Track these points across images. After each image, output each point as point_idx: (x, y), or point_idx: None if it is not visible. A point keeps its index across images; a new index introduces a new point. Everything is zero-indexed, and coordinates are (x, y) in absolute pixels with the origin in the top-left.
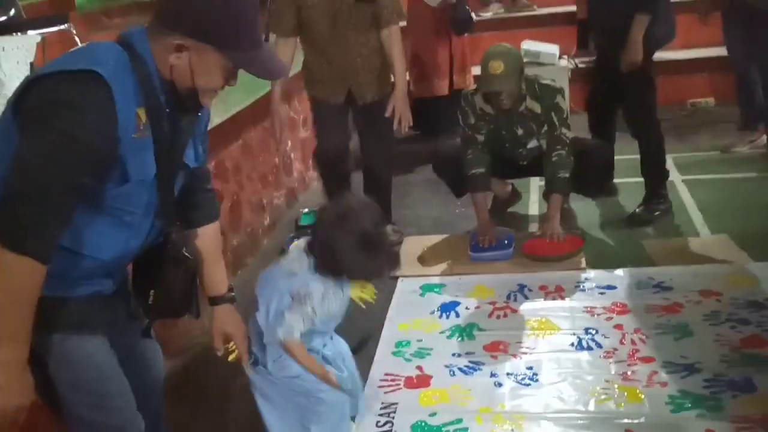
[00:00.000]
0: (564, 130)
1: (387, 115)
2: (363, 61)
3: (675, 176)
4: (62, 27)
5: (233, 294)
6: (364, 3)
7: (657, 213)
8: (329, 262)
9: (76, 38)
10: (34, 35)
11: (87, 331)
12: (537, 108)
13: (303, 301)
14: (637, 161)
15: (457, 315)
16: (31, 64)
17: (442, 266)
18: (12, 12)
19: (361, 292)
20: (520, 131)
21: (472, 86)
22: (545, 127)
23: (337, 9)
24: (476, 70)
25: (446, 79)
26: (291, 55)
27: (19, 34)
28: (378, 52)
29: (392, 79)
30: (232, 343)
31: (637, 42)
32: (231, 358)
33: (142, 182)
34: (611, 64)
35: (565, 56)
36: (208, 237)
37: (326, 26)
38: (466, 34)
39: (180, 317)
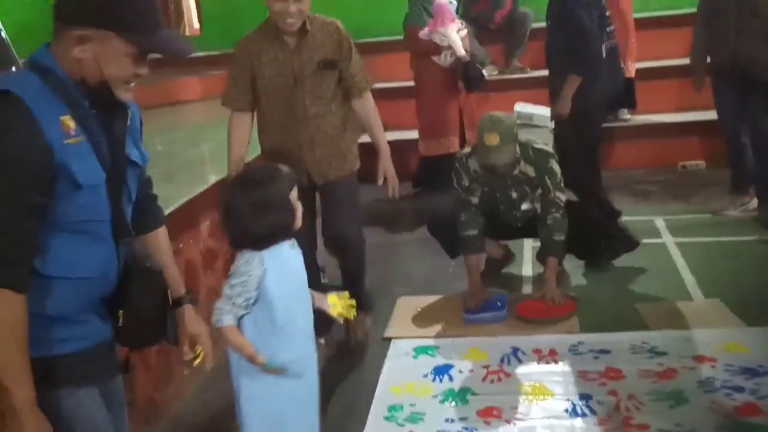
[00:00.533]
0: (558, 194)
1: (379, 183)
2: (321, 137)
3: (667, 238)
4: None
5: (191, 294)
6: (328, 69)
7: None
8: (237, 234)
9: None
10: None
11: (85, 387)
12: (531, 172)
13: (229, 283)
14: (626, 222)
15: (451, 378)
16: None
17: (436, 328)
18: (12, 69)
19: (341, 308)
20: (514, 194)
21: None
22: (539, 191)
23: (297, 76)
24: None
25: (457, 135)
26: (248, 131)
27: None
28: (341, 125)
29: (353, 152)
30: (198, 347)
31: (566, 98)
32: (196, 363)
33: (95, 188)
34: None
35: None
36: (159, 241)
37: (283, 98)
38: (476, 91)
39: (156, 342)
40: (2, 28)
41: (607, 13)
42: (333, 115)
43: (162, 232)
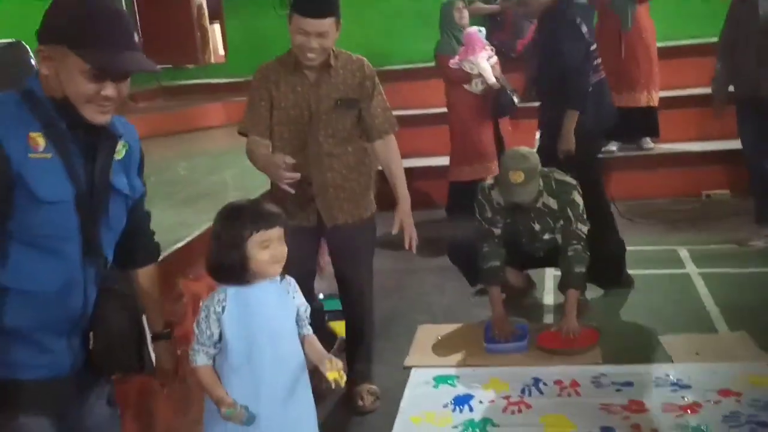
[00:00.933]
0: (580, 225)
1: (394, 232)
2: (334, 177)
3: (691, 269)
4: None
5: (168, 330)
6: (346, 108)
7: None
8: (211, 268)
9: None
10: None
11: (35, 416)
12: (553, 204)
13: (196, 320)
14: (650, 252)
15: (471, 409)
16: None
17: (456, 357)
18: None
19: (336, 374)
20: (537, 226)
21: None
22: (561, 222)
23: (312, 111)
24: None
25: (495, 160)
26: (269, 150)
27: None
28: (356, 167)
29: (372, 199)
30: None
31: (569, 133)
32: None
33: (59, 205)
34: (552, 153)
35: None
36: (146, 278)
37: (297, 132)
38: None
39: (130, 369)
40: (32, 56)
41: (593, 47)
42: (349, 156)
43: (151, 270)
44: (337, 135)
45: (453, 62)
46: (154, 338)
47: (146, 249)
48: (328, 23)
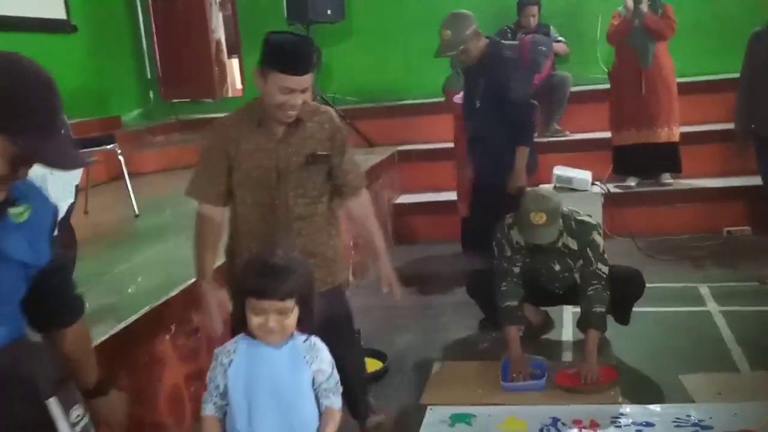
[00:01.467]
0: (600, 266)
1: (384, 290)
2: (305, 243)
3: (712, 307)
4: (108, 147)
5: (104, 384)
6: (318, 165)
7: None
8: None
9: (120, 158)
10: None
11: None
12: (573, 244)
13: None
14: (670, 289)
15: None
16: (77, 187)
17: (473, 395)
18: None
19: None
20: (557, 267)
21: None
22: (581, 261)
23: (281, 170)
24: None
25: None
26: (220, 232)
27: None
28: (325, 229)
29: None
30: None
31: (521, 170)
32: None
33: None
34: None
35: (598, 182)
36: (72, 334)
37: (261, 196)
38: None
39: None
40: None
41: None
42: (320, 218)
43: (76, 328)
44: (307, 195)
45: (457, 98)
46: (90, 395)
47: (67, 308)
48: (311, 77)
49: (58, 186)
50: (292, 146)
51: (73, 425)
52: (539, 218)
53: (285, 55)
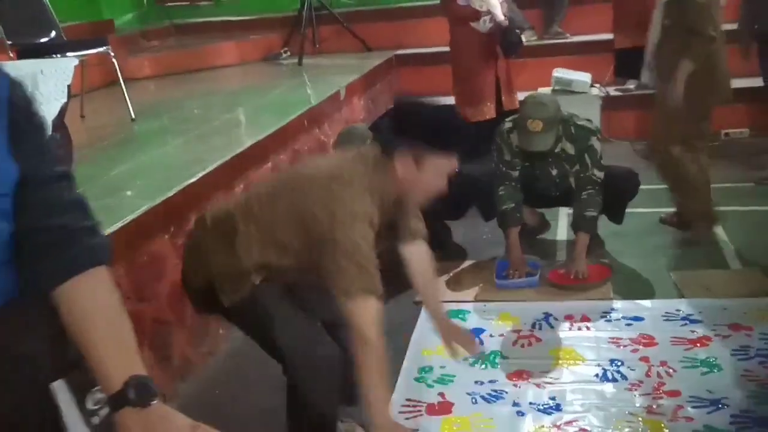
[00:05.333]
0: (596, 171)
1: None
2: None
3: None
4: (101, 50)
5: (144, 388)
6: None
7: None
8: None
9: (114, 61)
10: (72, 58)
11: None
12: (570, 149)
13: None
14: (664, 190)
15: (482, 342)
16: (69, 87)
17: (468, 293)
18: (53, 34)
19: None
20: (554, 171)
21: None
22: (577, 166)
23: None
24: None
25: (494, 102)
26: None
27: (58, 55)
28: None
29: None
30: None
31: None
32: None
33: None
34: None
35: (597, 84)
36: (79, 297)
37: None
38: (513, 57)
39: None
40: None
41: None
42: None
43: (91, 282)
44: None
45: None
46: (115, 403)
47: (76, 247)
48: None
49: (50, 85)
50: None
51: (91, 414)
52: (536, 125)
53: None
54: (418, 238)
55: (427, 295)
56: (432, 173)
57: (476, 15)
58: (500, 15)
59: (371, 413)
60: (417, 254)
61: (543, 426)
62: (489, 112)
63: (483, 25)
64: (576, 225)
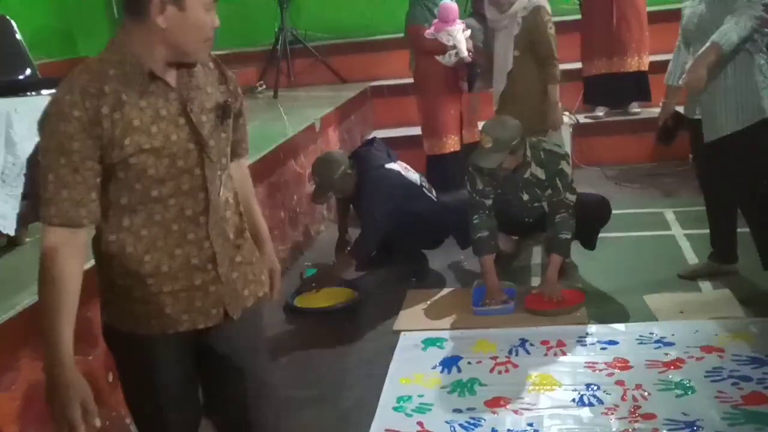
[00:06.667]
0: (568, 195)
1: (271, 297)
2: (244, 241)
3: (676, 230)
4: None
5: None
6: (226, 121)
7: None
8: None
9: None
10: (47, 96)
11: None
12: (541, 174)
13: None
14: (636, 215)
15: (459, 370)
16: None
17: (445, 320)
18: (27, 71)
19: None
20: (525, 196)
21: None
22: (549, 191)
23: (203, 144)
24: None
25: (458, 135)
26: (81, 269)
27: (33, 93)
28: (238, 214)
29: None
30: None
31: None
32: None
33: None
34: None
35: (567, 112)
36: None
37: (180, 197)
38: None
39: None
40: (17, 30)
41: None
42: (236, 198)
43: None
44: (224, 169)
45: (429, 33)
46: None
47: None
48: None
49: (24, 124)
50: (196, 101)
51: None
52: (486, 141)
53: None
54: (245, 154)
55: (253, 218)
56: (197, 6)
57: (442, 48)
58: (464, 51)
59: (271, 254)
60: (243, 173)
61: None
62: (453, 145)
63: (448, 59)
64: (550, 247)
